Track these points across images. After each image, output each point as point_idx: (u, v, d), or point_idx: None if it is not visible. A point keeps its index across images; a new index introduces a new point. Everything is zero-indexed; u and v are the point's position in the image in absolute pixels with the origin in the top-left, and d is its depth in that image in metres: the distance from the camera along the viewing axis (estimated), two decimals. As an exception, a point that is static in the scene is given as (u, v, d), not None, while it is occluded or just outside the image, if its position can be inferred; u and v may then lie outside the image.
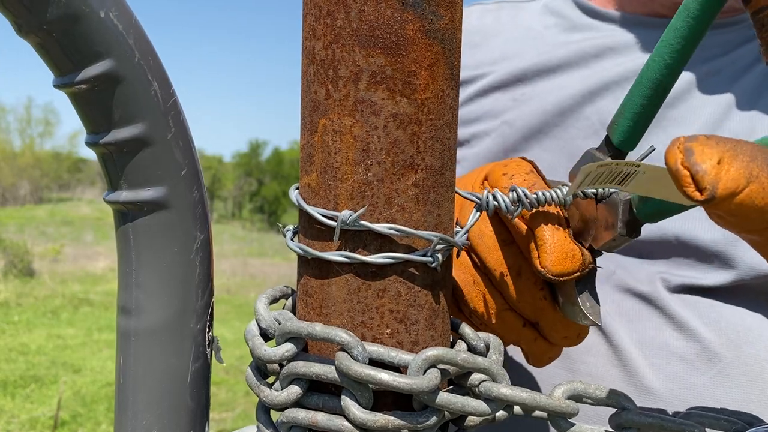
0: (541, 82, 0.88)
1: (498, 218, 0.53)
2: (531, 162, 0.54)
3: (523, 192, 0.48)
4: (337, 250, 0.43)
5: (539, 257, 0.50)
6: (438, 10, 0.41)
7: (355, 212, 0.41)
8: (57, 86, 0.46)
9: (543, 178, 0.53)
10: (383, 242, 0.42)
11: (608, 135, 0.49)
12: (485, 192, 0.48)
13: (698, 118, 0.81)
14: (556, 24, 0.93)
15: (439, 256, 0.43)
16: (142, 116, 0.46)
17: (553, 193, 0.48)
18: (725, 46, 0.86)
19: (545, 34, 0.92)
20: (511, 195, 0.48)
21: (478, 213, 0.47)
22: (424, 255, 0.42)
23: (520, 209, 0.48)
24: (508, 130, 0.87)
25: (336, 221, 0.42)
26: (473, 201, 0.48)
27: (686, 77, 0.84)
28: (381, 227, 0.41)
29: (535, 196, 0.48)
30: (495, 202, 0.48)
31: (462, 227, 0.46)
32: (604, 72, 0.85)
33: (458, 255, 0.51)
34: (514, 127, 0.86)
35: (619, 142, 0.48)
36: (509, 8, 0.98)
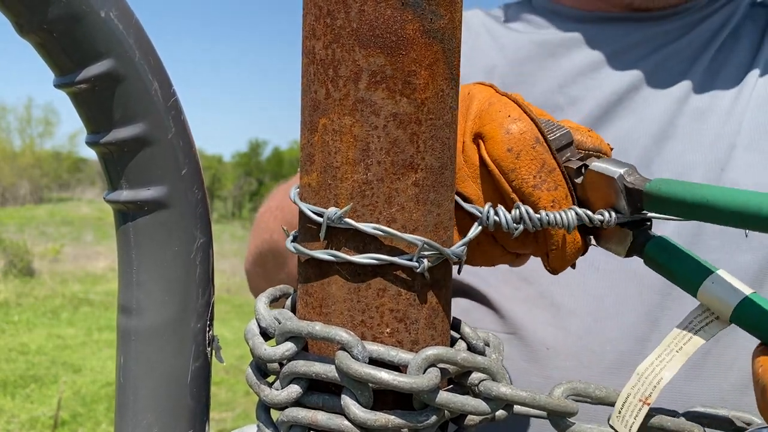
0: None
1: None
2: (534, 121, 0.48)
3: (527, 212, 0.47)
4: (325, 249, 0.43)
5: (549, 258, 0.51)
6: (438, 10, 0.41)
7: (349, 211, 0.41)
8: (57, 86, 0.46)
9: (545, 137, 0.48)
10: (373, 243, 0.42)
11: (640, 191, 0.46)
12: (487, 207, 0.47)
13: (651, 111, 0.85)
14: (522, 28, 0.98)
15: (426, 261, 0.42)
16: (143, 116, 0.46)
17: (559, 217, 0.47)
18: (683, 29, 0.89)
19: (510, 36, 0.96)
20: (514, 213, 0.47)
21: (479, 227, 0.47)
22: (410, 260, 0.42)
23: (521, 228, 0.47)
24: None
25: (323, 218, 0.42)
26: (474, 215, 0.48)
27: (635, 73, 0.88)
28: (366, 227, 0.41)
29: (538, 216, 0.47)
30: (496, 218, 0.47)
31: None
32: (570, 64, 0.90)
33: (460, 270, 0.50)
34: None
35: (649, 208, 0.46)
36: (482, 16, 1.02)
